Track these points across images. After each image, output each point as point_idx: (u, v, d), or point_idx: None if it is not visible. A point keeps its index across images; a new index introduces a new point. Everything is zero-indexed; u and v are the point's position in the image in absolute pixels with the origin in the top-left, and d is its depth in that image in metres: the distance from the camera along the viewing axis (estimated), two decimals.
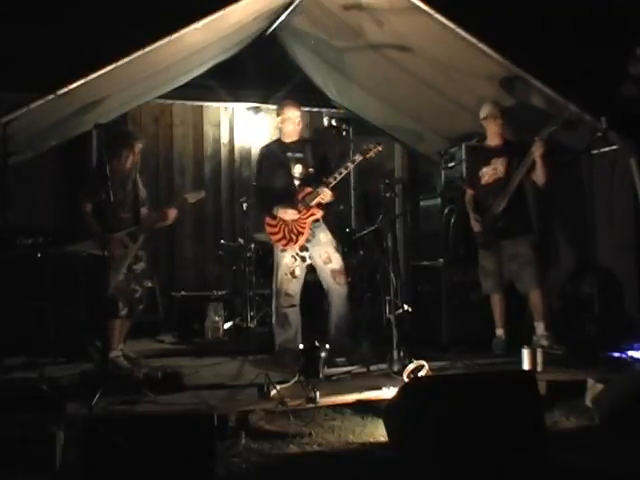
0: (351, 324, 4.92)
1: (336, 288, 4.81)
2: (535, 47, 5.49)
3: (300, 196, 4.75)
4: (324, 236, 4.82)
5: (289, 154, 4.88)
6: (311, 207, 4.73)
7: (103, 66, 4.10)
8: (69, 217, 6.20)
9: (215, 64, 5.92)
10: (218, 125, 7.34)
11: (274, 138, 5.29)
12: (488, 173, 5.01)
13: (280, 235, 4.78)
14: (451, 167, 5.94)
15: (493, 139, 5.05)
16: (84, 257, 5.09)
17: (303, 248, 4.78)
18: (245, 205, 6.32)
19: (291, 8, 5.13)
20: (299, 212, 4.72)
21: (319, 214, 4.78)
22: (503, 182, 4.91)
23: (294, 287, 4.79)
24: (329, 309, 4.86)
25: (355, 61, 5.65)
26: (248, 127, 7.38)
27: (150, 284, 5.62)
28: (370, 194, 4.90)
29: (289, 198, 4.77)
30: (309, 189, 4.74)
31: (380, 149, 4.76)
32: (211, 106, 7.24)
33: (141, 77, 4.85)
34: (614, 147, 5.00)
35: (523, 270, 4.87)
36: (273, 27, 5.71)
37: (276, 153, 4.91)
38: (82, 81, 4.09)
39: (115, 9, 5.66)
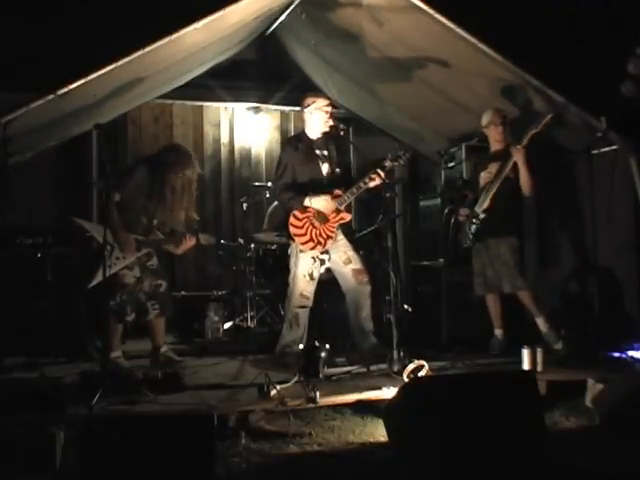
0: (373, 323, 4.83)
1: (359, 288, 4.74)
2: (535, 47, 5.49)
3: (331, 196, 4.68)
4: (341, 238, 4.77)
5: (317, 151, 4.77)
6: (341, 211, 4.68)
7: (103, 66, 4.10)
8: (69, 217, 6.23)
9: (215, 64, 5.92)
10: (218, 125, 7.35)
11: (295, 134, 5.13)
12: (484, 177, 5.03)
13: (307, 237, 4.65)
14: (451, 167, 5.95)
15: (494, 145, 5.05)
16: (84, 257, 5.12)
17: (324, 251, 4.71)
18: (245, 205, 6.32)
19: (291, 8, 5.13)
20: (332, 203, 4.61)
21: (348, 218, 4.74)
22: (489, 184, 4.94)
23: (310, 289, 4.70)
24: (352, 310, 4.78)
25: (355, 61, 5.65)
26: (248, 127, 7.39)
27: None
28: (370, 194, 4.85)
29: (319, 194, 4.66)
30: (338, 191, 4.67)
31: (409, 156, 4.73)
32: (211, 106, 7.24)
33: (141, 77, 4.84)
34: (614, 147, 5.00)
35: (501, 271, 4.88)
36: (273, 27, 5.71)
37: (304, 148, 4.76)
38: (82, 81, 4.10)
39: (115, 9, 5.66)
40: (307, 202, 4.64)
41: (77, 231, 4.65)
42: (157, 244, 4.66)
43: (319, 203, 4.64)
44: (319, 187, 4.69)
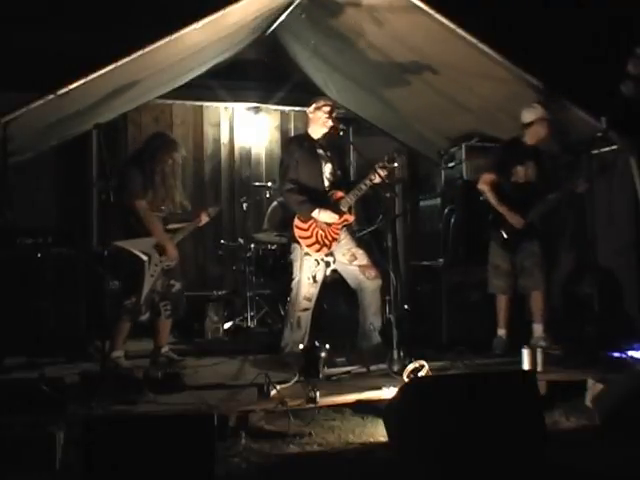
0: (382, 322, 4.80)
1: (368, 283, 4.71)
2: (535, 47, 5.49)
3: (333, 199, 4.66)
4: (344, 237, 4.75)
5: (320, 151, 4.76)
6: (344, 212, 4.67)
7: (103, 66, 4.10)
8: (69, 217, 6.24)
9: (215, 64, 5.92)
10: (218, 125, 7.34)
11: (299, 133, 5.14)
12: (520, 173, 4.92)
13: (313, 240, 4.63)
14: (451, 167, 5.95)
15: (531, 140, 4.92)
16: (85, 257, 5.11)
17: (329, 253, 4.69)
18: (245, 205, 6.32)
19: (291, 8, 5.13)
20: (339, 216, 4.62)
21: (351, 219, 4.73)
22: (534, 187, 4.89)
23: (313, 291, 4.68)
24: (362, 307, 4.76)
25: (355, 61, 5.65)
26: (248, 127, 7.38)
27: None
28: (370, 194, 4.84)
29: (320, 198, 4.65)
30: (340, 193, 4.67)
31: (404, 157, 4.71)
32: (211, 106, 7.24)
33: (141, 77, 4.85)
34: (614, 147, 5.00)
35: (534, 269, 4.87)
36: (273, 27, 5.71)
37: (308, 147, 4.74)
38: (82, 81, 4.10)
39: (115, 9, 5.66)
40: (315, 214, 4.61)
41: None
42: (185, 233, 4.70)
43: (326, 218, 4.62)
44: (320, 190, 4.68)
